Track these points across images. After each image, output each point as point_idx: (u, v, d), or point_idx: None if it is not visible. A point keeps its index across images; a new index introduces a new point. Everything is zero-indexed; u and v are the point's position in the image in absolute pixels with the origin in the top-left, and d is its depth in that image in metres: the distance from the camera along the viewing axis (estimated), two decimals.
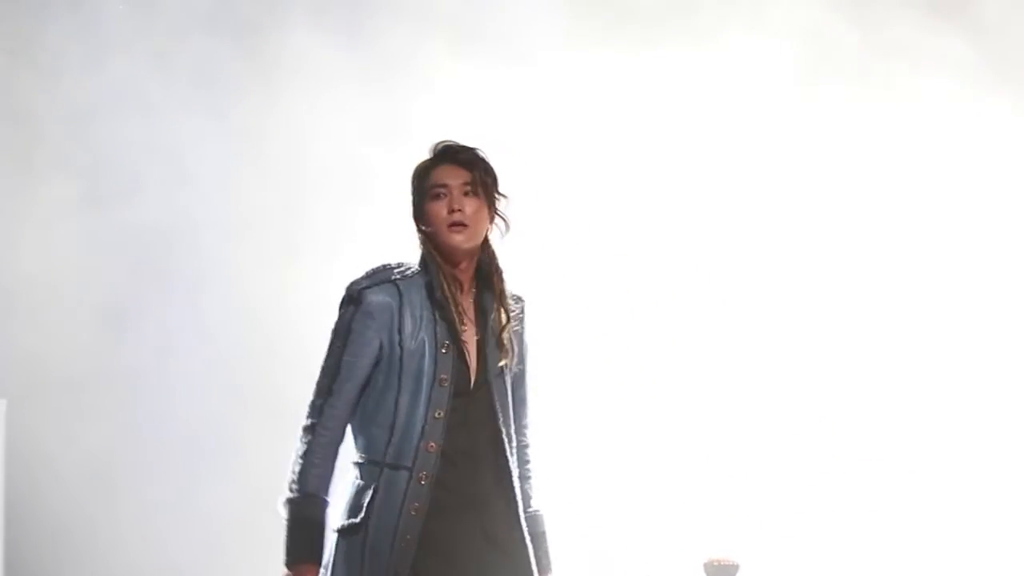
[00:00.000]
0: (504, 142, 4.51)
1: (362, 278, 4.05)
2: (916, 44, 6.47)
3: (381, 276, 4.05)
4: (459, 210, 4.02)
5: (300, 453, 3.98)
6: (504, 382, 4.06)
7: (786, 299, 6.35)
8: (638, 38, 6.47)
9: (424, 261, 4.06)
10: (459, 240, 4.01)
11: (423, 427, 3.95)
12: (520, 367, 4.14)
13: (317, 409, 4.00)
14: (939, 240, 6.44)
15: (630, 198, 6.39)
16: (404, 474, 3.95)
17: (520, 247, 4.16)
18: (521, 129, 6.17)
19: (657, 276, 6.45)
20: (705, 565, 5.82)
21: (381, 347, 4.00)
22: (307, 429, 3.99)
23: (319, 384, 4.02)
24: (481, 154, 4.08)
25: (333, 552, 4.00)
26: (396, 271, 4.06)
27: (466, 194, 4.03)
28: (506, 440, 4.04)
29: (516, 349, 4.10)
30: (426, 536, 3.95)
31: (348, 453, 4.05)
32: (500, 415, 4.04)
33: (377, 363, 4.01)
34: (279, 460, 6.00)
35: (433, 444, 3.94)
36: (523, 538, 4.03)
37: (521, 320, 4.15)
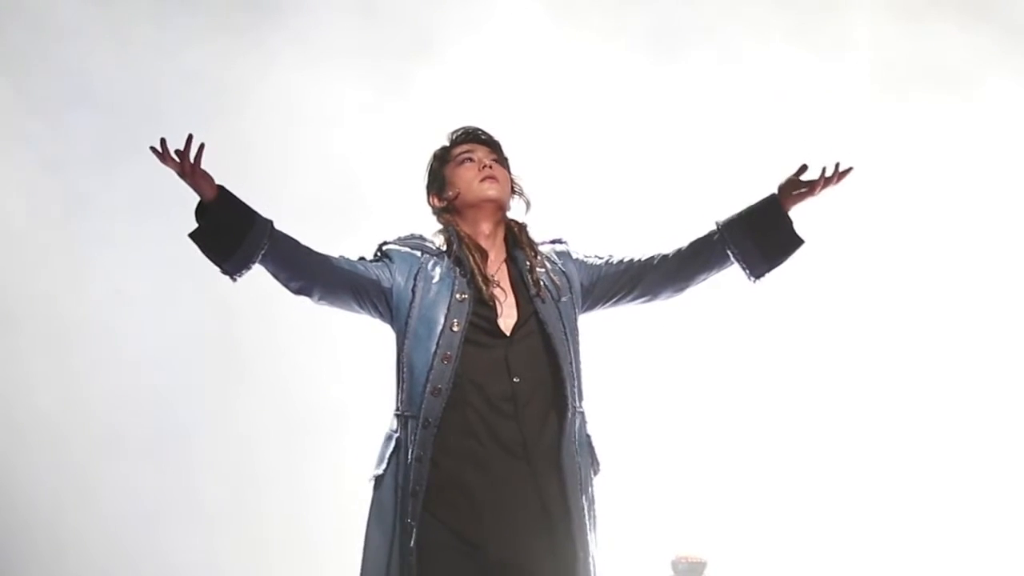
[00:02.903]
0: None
1: (392, 239, 4.13)
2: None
3: (409, 242, 4.12)
4: (490, 167, 4.11)
5: None
6: (557, 319, 4.05)
7: (751, 300, 6.35)
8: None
9: (447, 241, 4.10)
10: (493, 190, 4.09)
11: (428, 372, 3.96)
12: (591, 277, 4.18)
13: None
14: (939, 242, 6.48)
15: (625, 197, 6.40)
16: (414, 422, 3.97)
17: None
18: (518, 119, 6.12)
19: None
20: (673, 562, 5.83)
21: (390, 279, 4.03)
22: None
23: None
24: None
25: (370, 505, 4.04)
26: (426, 242, 4.12)
27: (494, 161, 4.14)
28: (566, 376, 4.02)
29: (561, 281, 4.11)
30: (443, 483, 3.95)
31: None
32: (558, 354, 4.02)
33: (388, 306, 4.04)
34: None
35: (440, 387, 3.95)
36: (572, 484, 4.06)
37: (565, 254, 4.20)
